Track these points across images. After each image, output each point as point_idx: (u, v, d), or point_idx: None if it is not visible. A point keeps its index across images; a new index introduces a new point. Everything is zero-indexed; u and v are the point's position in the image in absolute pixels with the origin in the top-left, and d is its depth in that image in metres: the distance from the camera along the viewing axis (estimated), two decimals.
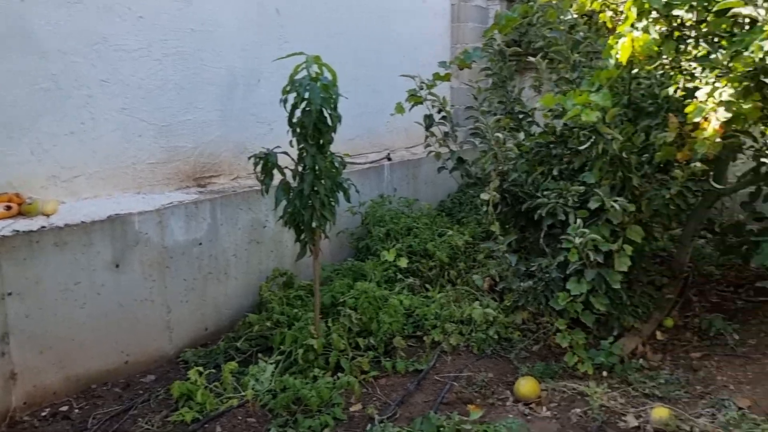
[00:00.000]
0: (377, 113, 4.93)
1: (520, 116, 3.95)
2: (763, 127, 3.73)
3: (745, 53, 2.45)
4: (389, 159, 5.00)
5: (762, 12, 2.17)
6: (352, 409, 2.94)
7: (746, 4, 2.18)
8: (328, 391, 2.89)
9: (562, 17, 3.05)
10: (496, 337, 3.51)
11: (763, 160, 3.55)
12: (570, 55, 3.15)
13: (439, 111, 3.69)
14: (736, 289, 4.19)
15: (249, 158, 2.91)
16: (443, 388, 3.11)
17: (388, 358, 3.34)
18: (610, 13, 3.09)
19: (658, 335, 3.66)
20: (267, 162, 2.86)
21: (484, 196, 3.35)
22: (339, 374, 3.11)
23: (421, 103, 3.69)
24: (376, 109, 4.93)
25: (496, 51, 3.58)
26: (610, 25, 3.20)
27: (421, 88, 3.63)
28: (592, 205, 3.20)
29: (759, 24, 2.22)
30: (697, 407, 2.93)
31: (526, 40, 3.96)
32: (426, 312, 3.61)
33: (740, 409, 2.88)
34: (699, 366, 3.31)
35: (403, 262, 4.06)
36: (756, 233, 3.51)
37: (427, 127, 3.69)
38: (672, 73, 3.25)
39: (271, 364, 3.12)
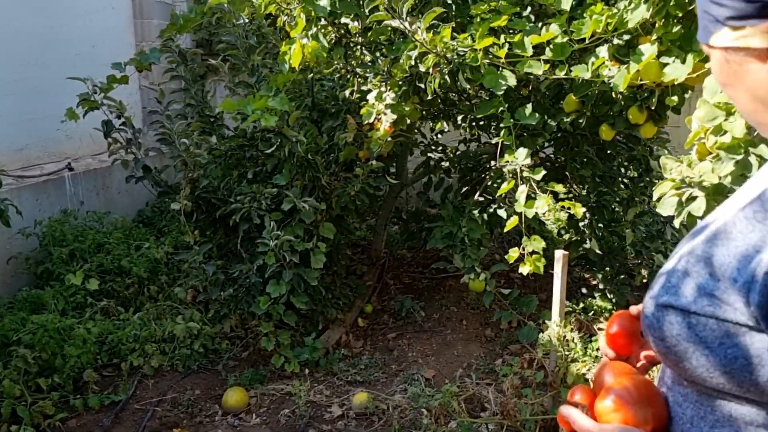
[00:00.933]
0: (51, 119, 4.35)
1: (212, 119, 3.84)
2: (433, 123, 4.22)
3: (401, 61, 2.69)
4: (71, 169, 4.46)
5: (407, 25, 2.39)
6: None
7: (393, 17, 2.38)
8: None
9: (234, 21, 3.01)
10: (202, 350, 3.37)
11: (429, 154, 4.00)
12: (247, 59, 3.14)
13: (119, 116, 3.38)
14: (423, 269, 4.68)
15: None
16: (145, 417, 2.89)
17: (78, 395, 2.98)
18: (285, 18, 3.14)
19: (360, 322, 3.90)
20: None
21: (175, 205, 3.17)
22: (14, 426, 2.68)
23: (97, 108, 3.34)
24: (49, 114, 4.34)
25: (176, 52, 3.40)
26: (288, 29, 3.25)
27: (95, 92, 3.29)
28: (285, 206, 3.24)
29: (408, 36, 2.44)
30: (392, 385, 3.19)
31: (215, 41, 3.85)
32: (122, 336, 3.30)
33: (426, 380, 3.21)
34: (394, 346, 3.61)
35: (94, 284, 3.66)
36: (430, 220, 3.94)
37: (106, 135, 3.36)
38: (349, 77, 3.45)
39: None
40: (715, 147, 1.76)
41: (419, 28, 2.45)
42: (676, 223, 1.77)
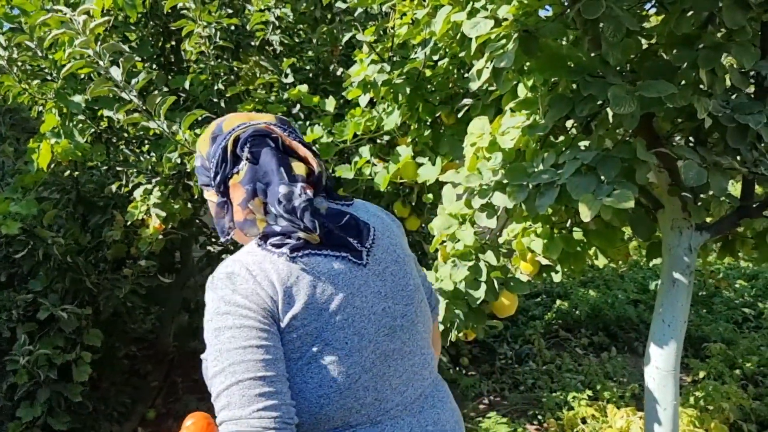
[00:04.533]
0: None
1: None
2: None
3: (165, 159, 2.59)
4: None
5: (165, 127, 2.31)
6: None
7: (149, 119, 2.29)
8: None
9: None
10: None
11: (209, 248, 3.88)
12: None
13: None
14: None
15: None
16: None
17: None
18: (41, 108, 2.89)
19: (140, 431, 3.56)
20: None
21: None
22: None
23: None
24: None
25: None
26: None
27: None
28: (42, 315, 2.90)
29: (165, 137, 2.37)
30: None
31: None
32: None
33: None
34: None
35: None
36: None
37: None
38: (118, 168, 3.25)
39: None
40: (452, 253, 1.90)
41: (180, 129, 2.39)
42: None
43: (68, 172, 2.98)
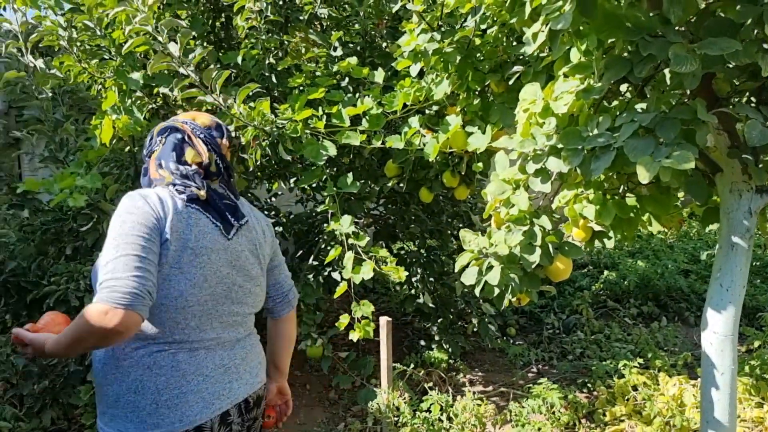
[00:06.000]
0: None
1: (22, 192, 3.53)
2: (269, 184, 4.18)
3: None
4: None
5: (221, 101, 2.38)
6: None
7: (205, 93, 2.36)
8: None
9: (37, 95, 2.82)
10: None
11: None
12: (54, 133, 2.95)
13: None
14: (263, 335, 4.57)
15: None
16: None
17: None
18: (99, 87, 3.00)
19: None
20: None
21: None
22: None
23: None
24: None
25: None
26: (101, 101, 3.10)
27: None
28: None
29: (219, 111, 2.43)
30: None
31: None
32: None
33: None
34: None
35: None
36: None
37: None
38: None
39: None
40: (506, 218, 1.91)
41: (235, 102, 2.45)
42: (477, 291, 1.89)
43: (128, 148, 3.08)
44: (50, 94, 2.85)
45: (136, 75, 2.69)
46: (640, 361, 3.47)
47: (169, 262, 1.44)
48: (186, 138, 1.63)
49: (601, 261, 5.71)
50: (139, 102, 2.84)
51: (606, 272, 5.35)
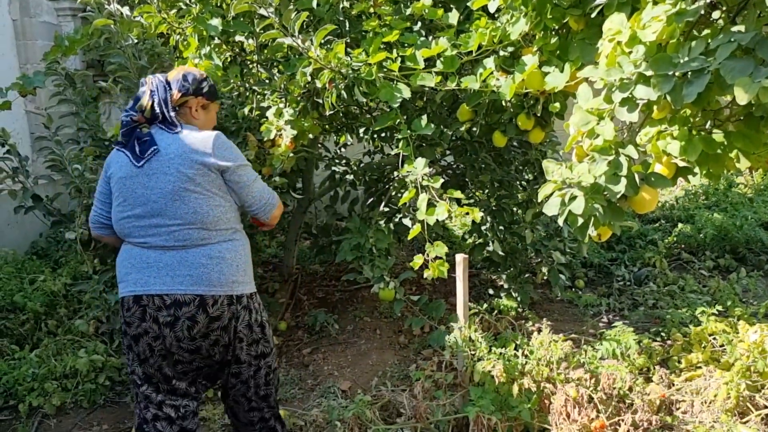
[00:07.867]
0: None
1: (107, 143, 3.70)
2: (337, 137, 4.25)
3: (297, 77, 2.71)
4: None
5: (300, 42, 2.41)
6: None
7: (285, 35, 2.40)
8: None
9: (123, 42, 2.93)
10: (108, 383, 3.23)
11: (334, 168, 4.03)
12: (139, 79, 3.05)
13: (2, 144, 3.20)
14: (335, 283, 4.70)
15: None
16: None
17: None
18: (178, 37, 3.09)
19: (274, 340, 3.86)
20: None
21: (70, 234, 3.03)
22: None
23: None
24: None
25: (63, 75, 3.26)
26: (182, 49, 3.20)
27: None
28: None
29: (294, 58, 2.47)
30: (309, 401, 3.18)
31: (106, 62, 3.71)
32: (18, 375, 3.12)
33: (343, 392, 3.23)
34: (309, 361, 3.61)
35: None
36: (338, 233, 3.97)
37: None
38: (247, 94, 3.43)
39: None
40: (590, 149, 1.89)
41: (312, 45, 2.48)
42: (560, 221, 1.89)
43: None
44: (135, 41, 2.95)
45: (215, 21, 2.76)
46: (719, 308, 3.38)
47: (112, 191, 2.13)
48: (141, 89, 2.13)
49: (674, 215, 5.55)
50: (217, 49, 2.91)
51: (680, 225, 5.20)
